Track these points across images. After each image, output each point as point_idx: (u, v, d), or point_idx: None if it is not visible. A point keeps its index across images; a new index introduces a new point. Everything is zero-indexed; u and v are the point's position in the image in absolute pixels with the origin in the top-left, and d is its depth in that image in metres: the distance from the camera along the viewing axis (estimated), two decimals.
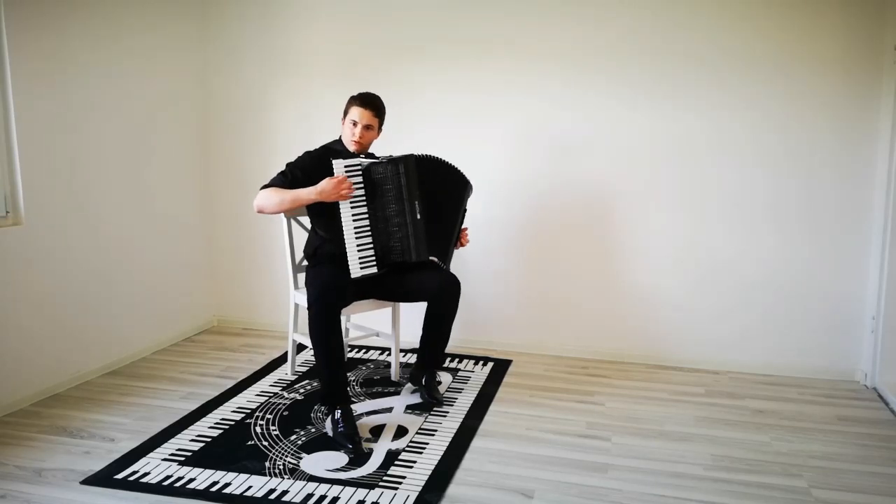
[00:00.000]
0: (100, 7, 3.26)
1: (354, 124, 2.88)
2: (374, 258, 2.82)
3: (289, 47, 3.86)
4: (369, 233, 2.81)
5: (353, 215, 2.78)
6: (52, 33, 3.02)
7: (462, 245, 3.08)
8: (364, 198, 2.80)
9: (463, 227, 3.07)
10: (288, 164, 2.92)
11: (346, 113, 2.93)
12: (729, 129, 3.39)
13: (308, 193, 2.76)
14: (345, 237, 2.78)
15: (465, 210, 3.07)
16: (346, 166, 2.76)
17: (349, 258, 2.78)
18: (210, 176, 4.09)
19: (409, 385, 3.22)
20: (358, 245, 2.79)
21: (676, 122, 3.43)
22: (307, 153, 2.97)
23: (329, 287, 2.71)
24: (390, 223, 2.81)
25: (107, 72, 3.32)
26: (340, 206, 2.78)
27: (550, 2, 3.49)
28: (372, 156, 2.96)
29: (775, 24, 3.27)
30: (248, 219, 4.02)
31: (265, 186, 2.85)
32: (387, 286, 2.99)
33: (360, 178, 2.78)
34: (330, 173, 2.77)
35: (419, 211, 2.82)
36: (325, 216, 2.87)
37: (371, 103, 2.89)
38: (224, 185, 4.08)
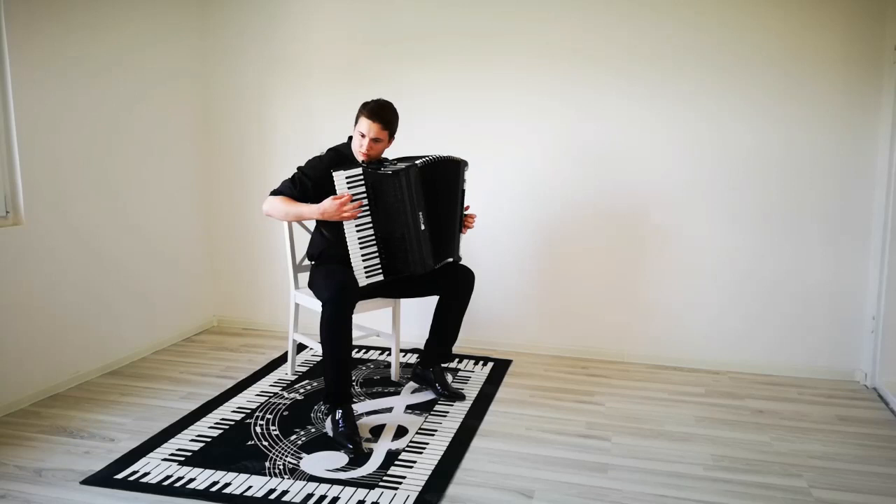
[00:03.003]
0: (100, 8, 3.26)
1: (362, 136, 2.78)
2: (379, 267, 2.79)
3: (289, 44, 3.86)
4: (374, 242, 2.77)
5: (357, 225, 2.74)
6: (52, 33, 3.02)
7: (466, 229, 3.02)
8: (367, 207, 2.74)
9: (466, 212, 3.01)
10: (298, 169, 2.87)
11: (356, 119, 2.82)
12: (729, 129, 3.39)
13: (311, 212, 2.75)
14: (349, 247, 2.75)
15: (464, 191, 2.96)
16: (347, 178, 2.70)
17: (354, 267, 2.76)
18: (210, 175, 4.09)
19: (410, 384, 3.23)
20: (363, 255, 2.76)
21: (677, 121, 3.43)
22: (318, 159, 2.89)
23: (345, 286, 2.71)
24: (395, 235, 2.76)
25: (107, 72, 3.32)
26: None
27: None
28: (376, 162, 2.85)
29: (775, 24, 3.27)
30: (248, 218, 4.02)
31: (275, 191, 2.84)
32: (395, 285, 2.97)
33: (362, 189, 2.72)
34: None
35: (423, 221, 2.78)
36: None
37: (380, 116, 2.77)
38: (224, 185, 4.08)
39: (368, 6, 3.72)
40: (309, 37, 3.83)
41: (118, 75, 3.39)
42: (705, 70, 3.37)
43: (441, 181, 2.86)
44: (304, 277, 3.16)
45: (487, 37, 3.59)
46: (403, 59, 3.70)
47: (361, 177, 2.71)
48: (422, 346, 3.21)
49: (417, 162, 2.78)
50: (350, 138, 2.92)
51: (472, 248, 3.66)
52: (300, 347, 3.68)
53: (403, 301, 3.38)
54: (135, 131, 3.53)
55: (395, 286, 2.97)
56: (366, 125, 2.77)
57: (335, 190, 2.71)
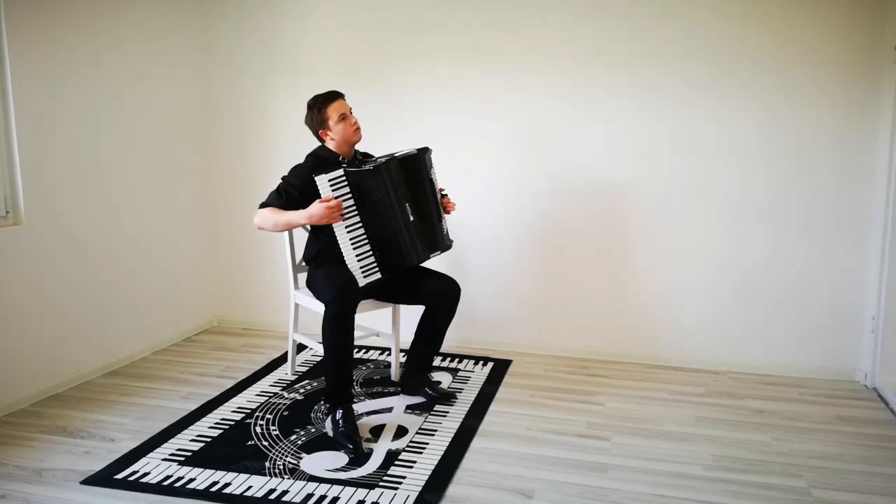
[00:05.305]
0: (100, 9, 3.26)
1: (344, 118, 2.84)
2: (375, 265, 2.79)
3: (289, 46, 3.86)
4: (366, 241, 2.77)
5: (347, 227, 2.73)
6: (52, 34, 3.02)
7: (448, 213, 3.01)
8: (355, 207, 2.73)
9: (442, 194, 3.00)
10: (283, 179, 2.86)
11: (324, 120, 2.84)
12: (728, 129, 3.39)
13: (299, 218, 2.74)
14: (342, 249, 2.75)
15: (433, 180, 2.94)
16: (330, 180, 2.69)
17: (351, 269, 2.76)
18: (210, 176, 4.09)
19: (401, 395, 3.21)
20: (357, 255, 2.76)
21: (676, 121, 3.43)
22: (299, 168, 2.88)
23: (347, 285, 2.71)
24: (385, 231, 2.77)
25: (107, 72, 3.33)
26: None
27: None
28: (356, 162, 2.86)
29: (775, 23, 3.27)
30: (247, 219, 4.00)
31: (264, 204, 2.83)
32: (387, 288, 2.97)
33: (346, 190, 2.71)
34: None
35: (411, 213, 2.80)
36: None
37: (338, 92, 2.88)
38: (224, 186, 4.08)
39: (369, 1, 3.73)
40: (309, 33, 3.82)
41: (118, 74, 3.39)
42: (705, 69, 3.36)
43: (418, 171, 2.87)
44: (304, 277, 3.16)
45: (487, 35, 3.58)
46: (402, 56, 3.70)
47: (344, 177, 2.71)
48: None
49: (397, 155, 2.80)
50: (325, 143, 2.92)
51: (471, 248, 3.66)
52: (300, 347, 3.68)
53: None
54: (135, 131, 3.53)
55: (387, 288, 2.96)
56: (341, 105, 2.86)
57: (321, 195, 2.71)
